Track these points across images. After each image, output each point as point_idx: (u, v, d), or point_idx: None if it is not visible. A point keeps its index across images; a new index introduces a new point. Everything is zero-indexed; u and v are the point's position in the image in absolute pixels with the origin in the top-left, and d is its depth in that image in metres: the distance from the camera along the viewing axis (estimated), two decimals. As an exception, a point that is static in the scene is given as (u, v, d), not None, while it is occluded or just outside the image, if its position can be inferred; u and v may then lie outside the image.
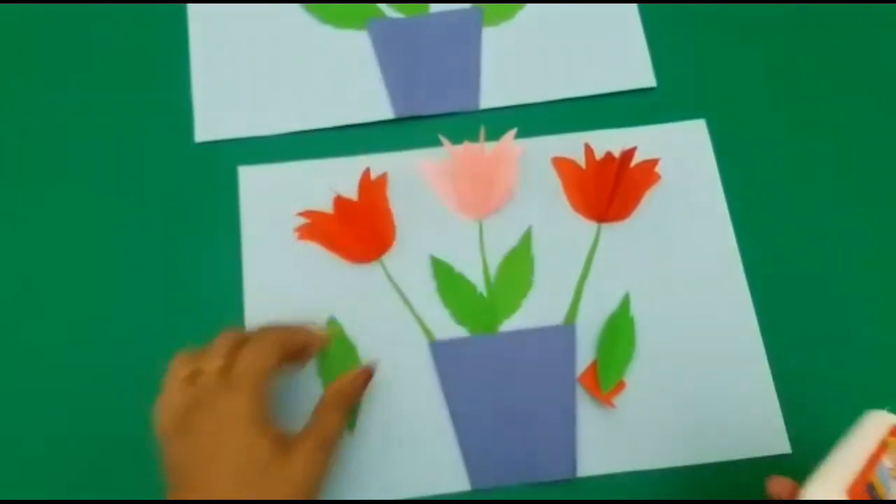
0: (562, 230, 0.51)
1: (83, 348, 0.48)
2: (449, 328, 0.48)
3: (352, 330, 0.48)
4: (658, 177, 0.51)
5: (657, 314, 0.49)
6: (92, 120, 0.53)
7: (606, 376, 0.47)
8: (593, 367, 0.48)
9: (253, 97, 0.54)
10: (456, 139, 0.51)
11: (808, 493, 0.34)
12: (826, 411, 0.47)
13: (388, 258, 0.50)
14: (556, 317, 0.49)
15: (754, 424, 0.47)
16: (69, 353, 0.48)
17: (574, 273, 0.50)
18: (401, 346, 0.48)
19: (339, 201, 0.48)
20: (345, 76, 0.54)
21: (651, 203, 0.51)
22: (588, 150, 0.51)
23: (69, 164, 0.52)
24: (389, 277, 0.49)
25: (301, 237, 0.49)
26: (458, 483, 0.46)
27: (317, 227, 0.49)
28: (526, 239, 0.50)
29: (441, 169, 0.51)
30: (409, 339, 0.48)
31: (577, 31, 0.56)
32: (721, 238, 0.51)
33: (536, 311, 0.49)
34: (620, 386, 0.47)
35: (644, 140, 0.51)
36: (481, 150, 0.50)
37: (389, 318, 0.48)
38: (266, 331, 0.42)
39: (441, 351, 0.48)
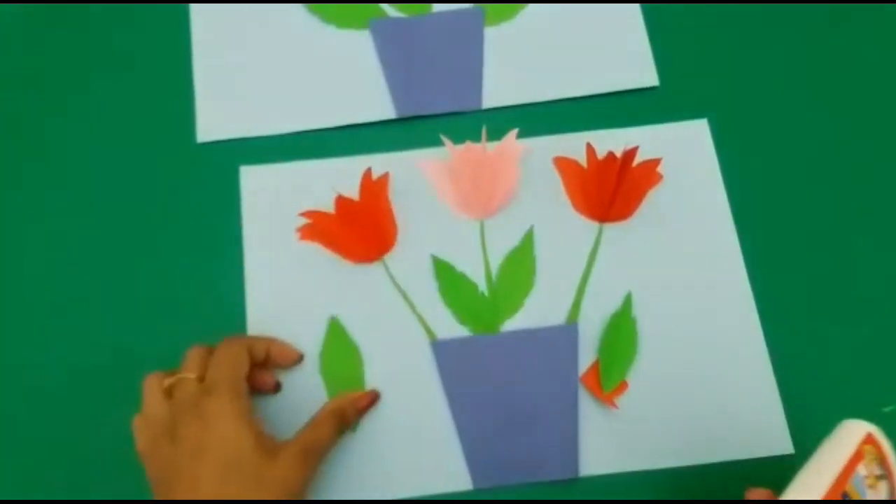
0: (563, 230, 0.51)
1: (83, 349, 0.48)
2: (451, 328, 0.48)
3: (354, 330, 0.48)
4: (660, 176, 0.51)
5: (659, 314, 0.49)
6: (93, 120, 0.54)
7: (608, 376, 0.47)
8: (595, 367, 0.48)
9: (254, 97, 0.54)
10: (458, 139, 0.51)
11: (787, 500, 0.35)
12: (829, 411, 0.46)
13: (389, 258, 0.50)
14: (557, 317, 0.49)
15: (757, 424, 0.47)
16: (69, 354, 0.48)
17: (576, 273, 0.50)
18: (402, 345, 0.48)
19: (341, 201, 0.48)
20: (346, 76, 0.54)
21: (653, 203, 0.51)
22: (590, 149, 0.51)
23: (70, 165, 0.52)
24: (391, 277, 0.49)
25: (303, 237, 0.49)
26: (461, 483, 0.45)
27: (318, 228, 0.49)
28: (527, 239, 0.50)
29: (442, 169, 0.51)
30: (411, 338, 0.48)
31: (578, 31, 0.56)
32: (723, 237, 0.51)
33: (538, 310, 0.49)
34: (622, 386, 0.47)
35: (646, 140, 0.51)
36: (483, 149, 0.50)
37: (391, 318, 0.48)
38: (230, 340, 0.44)
39: (443, 351, 0.48)
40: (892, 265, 0.51)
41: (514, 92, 0.54)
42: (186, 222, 0.51)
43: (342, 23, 0.56)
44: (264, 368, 0.46)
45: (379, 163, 0.51)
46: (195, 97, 0.54)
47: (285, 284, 0.49)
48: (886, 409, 0.47)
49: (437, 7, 0.56)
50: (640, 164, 0.50)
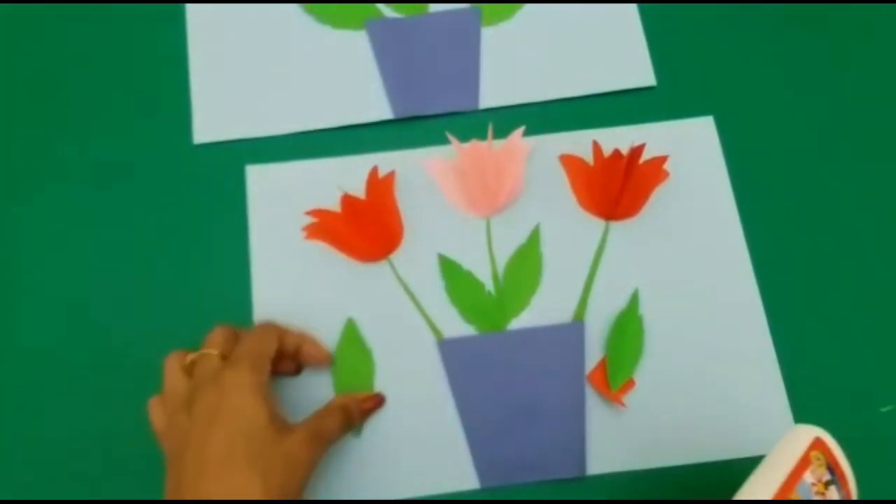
0: (570, 228, 0.50)
1: (86, 353, 0.48)
2: (457, 326, 0.48)
3: (360, 329, 0.48)
4: (666, 174, 0.51)
5: (666, 311, 0.49)
6: (89, 121, 0.53)
7: (615, 374, 0.47)
8: (602, 366, 0.47)
9: (251, 98, 0.54)
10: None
11: None
12: (836, 409, 0.47)
13: (395, 257, 0.50)
14: (564, 314, 0.49)
15: (763, 421, 0.46)
16: (75, 357, 0.48)
17: (582, 271, 0.50)
18: (409, 344, 0.48)
19: (347, 200, 0.48)
20: (343, 77, 0.54)
21: (659, 200, 0.51)
22: (596, 147, 0.51)
23: (69, 166, 0.52)
24: (397, 276, 0.49)
25: (309, 236, 0.49)
26: (468, 482, 0.45)
27: (324, 226, 0.49)
28: (534, 237, 0.50)
29: (448, 167, 0.51)
30: (418, 337, 0.48)
31: (575, 31, 0.56)
32: (730, 235, 0.50)
33: (545, 308, 0.49)
34: (630, 384, 0.47)
35: (651, 137, 0.51)
36: (489, 147, 0.50)
37: (398, 317, 0.48)
38: (263, 324, 0.45)
39: (449, 349, 0.48)
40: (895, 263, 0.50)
41: (510, 92, 0.54)
42: (186, 224, 0.51)
43: (338, 23, 0.56)
44: (291, 358, 0.46)
45: (384, 161, 0.51)
46: (192, 98, 0.54)
47: (292, 284, 0.49)
48: (884, 409, 0.47)
49: (433, 7, 0.56)
50: (646, 162, 0.50)
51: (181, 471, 0.38)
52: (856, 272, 0.50)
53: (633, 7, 0.56)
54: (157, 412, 0.42)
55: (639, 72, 0.55)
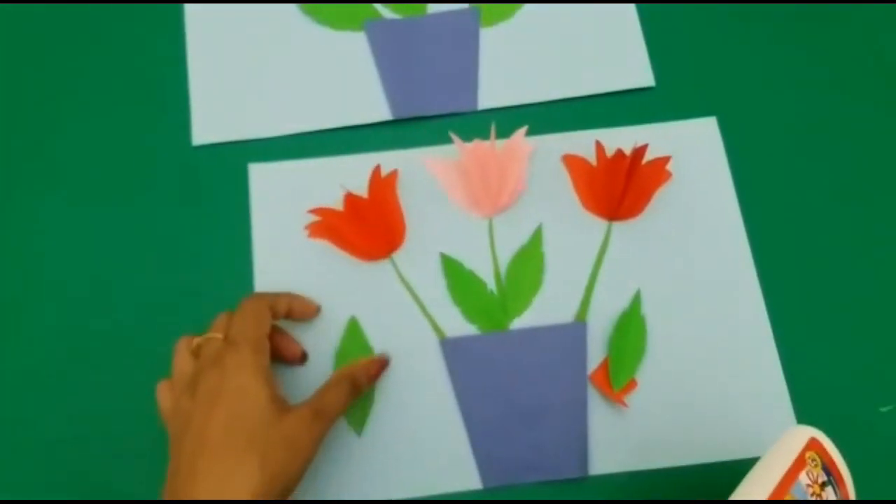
0: (572, 228, 0.50)
1: (88, 354, 0.48)
2: (459, 326, 0.48)
3: (363, 327, 0.48)
4: (669, 174, 0.51)
5: (668, 312, 0.49)
6: (88, 123, 0.53)
7: (618, 374, 0.47)
8: (604, 366, 0.47)
9: (250, 99, 0.54)
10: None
11: None
12: (839, 409, 0.47)
13: (398, 256, 0.50)
14: (566, 315, 0.49)
15: (766, 421, 0.46)
16: (77, 363, 0.48)
17: (585, 271, 0.50)
18: (411, 343, 0.48)
19: (350, 198, 0.48)
20: (342, 78, 0.54)
21: (662, 201, 0.51)
22: (599, 147, 0.51)
23: (68, 166, 0.52)
24: (400, 275, 0.49)
25: (312, 235, 0.49)
26: (470, 482, 0.45)
27: (327, 225, 0.49)
28: (536, 236, 0.50)
29: (451, 166, 0.51)
30: (420, 336, 0.48)
31: (574, 32, 0.56)
32: (732, 235, 0.50)
33: (547, 308, 0.49)
34: (632, 384, 0.47)
35: (654, 137, 0.51)
36: (492, 147, 0.50)
37: (400, 316, 0.48)
38: (252, 297, 0.44)
39: (452, 349, 0.47)
40: (898, 264, 0.51)
41: (509, 93, 0.54)
42: (187, 225, 0.51)
43: (337, 24, 0.56)
44: (287, 319, 0.47)
45: (387, 160, 0.51)
46: (191, 99, 0.53)
47: (294, 282, 0.49)
48: (884, 409, 0.47)
49: (432, 8, 0.56)
50: (649, 162, 0.50)
51: (181, 451, 0.38)
52: (858, 272, 0.50)
53: (632, 7, 0.56)
54: (164, 395, 0.42)
55: (637, 72, 0.55)
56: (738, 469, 0.45)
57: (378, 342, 0.48)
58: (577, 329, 0.48)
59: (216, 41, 0.55)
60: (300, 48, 0.55)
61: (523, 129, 0.51)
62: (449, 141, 0.51)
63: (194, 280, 0.49)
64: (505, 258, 0.50)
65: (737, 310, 0.49)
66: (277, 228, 0.50)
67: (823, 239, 0.51)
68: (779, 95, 0.55)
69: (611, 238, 0.50)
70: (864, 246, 0.51)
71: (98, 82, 0.54)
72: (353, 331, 0.48)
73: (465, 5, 0.56)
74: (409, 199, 0.51)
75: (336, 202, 0.49)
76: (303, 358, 0.47)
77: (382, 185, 0.50)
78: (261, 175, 0.51)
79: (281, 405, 0.40)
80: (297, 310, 0.46)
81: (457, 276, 0.49)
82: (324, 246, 0.49)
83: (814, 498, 0.35)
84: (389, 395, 0.47)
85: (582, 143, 0.52)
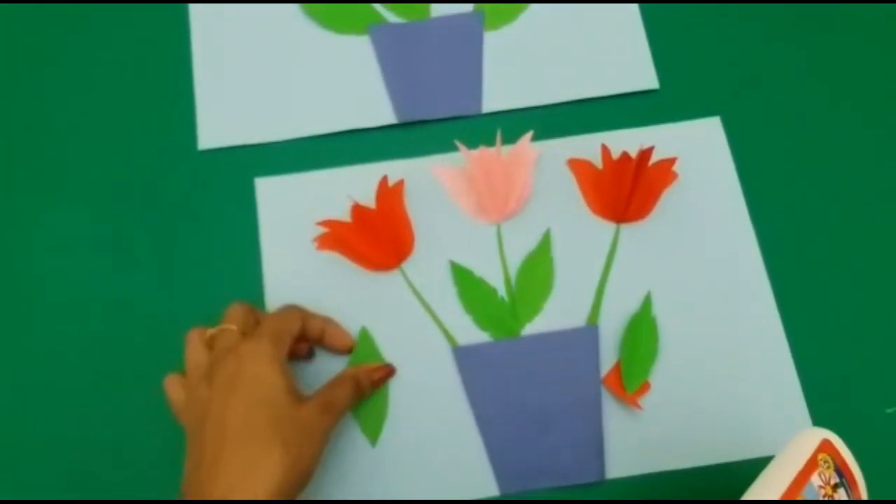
0: (580, 232, 0.51)
1: (92, 363, 0.48)
2: (471, 333, 0.48)
3: (374, 338, 0.48)
4: (676, 175, 0.51)
5: (680, 313, 0.49)
6: (92, 127, 0.53)
7: (631, 377, 0.47)
8: (617, 369, 0.47)
9: (255, 103, 0.54)
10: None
11: None
12: (853, 409, 0.47)
13: (407, 265, 0.50)
14: (578, 319, 0.49)
15: (780, 421, 0.46)
16: (80, 376, 0.48)
17: (594, 274, 0.50)
18: (424, 352, 0.48)
19: (357, 209, 0.48)
20: (346, 82, 0.54)
21: (669, 202, 0.51)
22: (605, 150, 0.51)
23: (71, 171, 0.52)
24: (410, 284, 0.49)
25: (320, 247, 0.49)
26: (487, 489, 0.45)
27: (336, 236, 0.49)
28: (545, 241, 0.50)
29: (457, 174, 0.51)
30: (432, 345, 0.48)
31: (578, 34, 0.56)
32: (741, 234, 0.50)
33: (558, 313, 0.49)
34: (645, 387, 0.47)
35: (659, 139, 0.51)
36: (497, 154, 0.50)
37: (411, 325, 0.48)
38: (288, 306, 0.45)
39: (464, 356, 0.47)
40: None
41: (513, 96, 0.54)
42: (193, 231, 0.51)
43: (341, 28, 0.56)
44: (318, 345, 0.47)
45: (393, 170, 0.51)
46: (196, 104, 0.54)
47: (304, 294, 0.48)
48: (889, 410, 0.47)
49: (436, 11, 0.56)
50: (655, 164, 0.50)
51: (202, 445, 0.38)
52: (873, 271, 0.50)
53: (635, 9, 0.56)
54: (174, 388, 0.42)
55: (641, 75, 0.55)
56: (754, 470, 0.45)
57: (390, 352, 0.48)
58: (588, 333, 0.48)
59: (221, 45, 0.55)
60: (305, 52, 0.55)
61: (528, 135, 0.51)
62: (454, 147, 0.51)
63: (204, 287, 0.49)
64: (514, 264, 0.50)
65: (748, 309, 0.49)
66: (286, 241, 0.50)
67: (832, 237, 0.51)
68: (781, 94, 0.55)
69: (619, 241, 0.50)
70: (873, 244, 0.51)
71: (103, 87, 0.54)
72: (365, 341, 0.48)
73: (469, 8, 0.56)
74: (417, 208, 0.51)
75: (344, 213, 0.49)
76: (309, 355, 0.47)
77: (390, 194, 0.50)
78: (267, 189, 0.51)
79: (296, 395, 0.40)
80: (330, 335, 0.46)
81: (467, 284, 0.49)
82: (333, 257, 0.49)
83: (825, 499, 0.35)
84: (403, 405, 0.47)
85: (587, 146, 0.52)
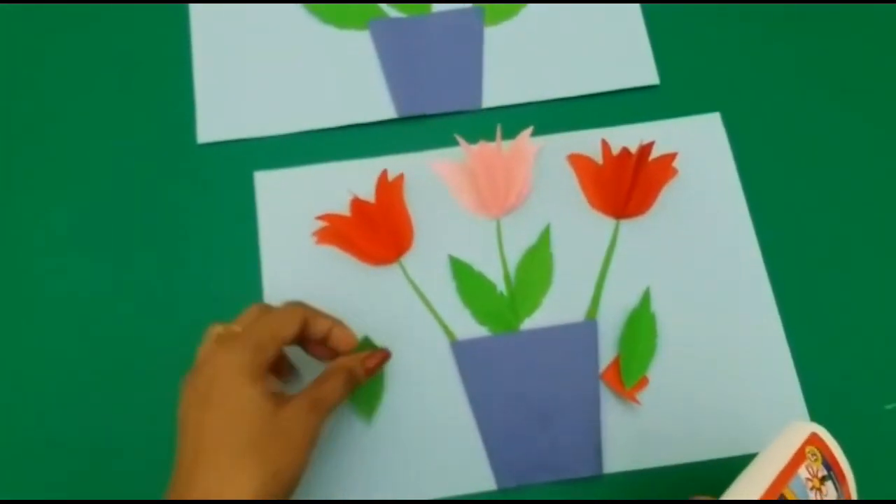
0: (580, 227, 0.51)
1: (90, 358, 0.48)
2: (470, 328, 0.48)
3: (373, 332, 0.48)
4: (675, 171, 0.51)
5: (678, 308, 0.49)
6: (91, 121, 0.53)
7: (629, 372, 0.47)
8: (616, 364, 0.47)
9: (254, 98, 0.54)
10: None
11: None
12: (851, 404, 0.47)
13: (406, 259, 0.50)
14: (577, 314, 0.49)
15: (779, 415, 0.46)
16: (78, 364, 0.48)
17: (594, 269, 0.50)
18: (422, 346, 0.48)
19: (357, 203, 0.48)
20: (347, 76, 0.54)
21: (669, 197, 0.51)
22: (605, 146, 0.51)
23: (71, 166, 0.52)
24: (409, 279, 0.49)
25: (320, 241, 0.49)
26: (484, 483, 0.45)
27: (335, 231, 0.49)
28: (544, 236, 0.50)
29: (457, 169, 0.51)
30: (431, 339, 0.48)
31: (578, 30, 0.56)
32: (740, 230, 0.50)
33: (557, 308, 0.49)
34: (644, 382, 0.47)
35: (658, 135, 0.51)
36: (498, 148, 0.50)
37: (410, 320, 0.48)
38: (292, 304, 0.43)
39: (463, 351, 0.48)
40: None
41: (513, 91, 0.54)
42: (192, 224, 0.51)
43: (342, 23, 0.56)
44: (321, 345, 0.44)
45: (393, 164, 0.51)
46: (196, 97, 0.54)
47: (303, 288, 0.48)
48: (888, 407, 0.47)
49: (436, 7, 0.56)
50: (655, 160, 0.50)
51: (180, 460, 0.37)
52: (872, 266, 0.50)
53: (636, 5, 0.56)
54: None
55: (642, 70, 0.55)
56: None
57: (388, 346, 0.47)
58: (587, 328, 0.48)
59: (221, 40, 0.55)
60: (305, 47, 0.55)
61: (529, 130, 0.51)
62: (454, 142, 0.51)
63: (203, 281, 0.49)
64: (514, 259, 0.50)
65: (747, 305, 0.49)
66: (285, 235, 0.50)
67: (831, 233, 0.51)
68: (781, 90, 0.55)
69: (619, 236, 0.50)
70: (871, 241, 0.51)
71: (102, 80, 0.54)
72: (364, 336, 0.48)
73: (470, 4, 0.56)
74: (417, 203, 0.51)
75: (343, 208, 0.49)
76: (291, 372, 0.46)
77: (389, 189, 0.50)
78: (267, 183, 0.51)
79: (275, 399, 0.38)
80: (335, 336, 0.44)
81: (466, 279, 0.49)
82: (332, 252, 0.49)
83: (813, 493, 0.35)
84: (401, 399, 0.47)
85: (587, 141, 0.52)
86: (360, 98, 0.54)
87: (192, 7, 0.56)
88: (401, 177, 0.51)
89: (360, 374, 0.44)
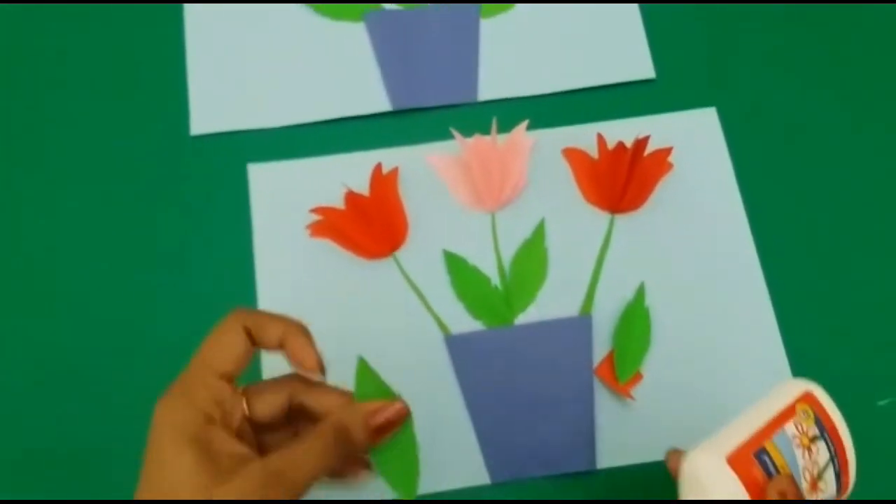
0: (575, 221, 0.50)
1: (82, 354, 0.47)
2: (464, 322, 0.48)
3: (367, 327, 0.48)
4: (671, 166, 0.51)
5: (673, 303, 0.49)
6: (84, 113, 0.53)
7: (623, 367, 0.47)
8: (610, 359, 0.47)
9: (248, 89, 0.53)
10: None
11: (689, 458, 0.33)
12: (844, 398, 0.47)
13: (401, 253, 0.49)
14: (571, 308, 0.49)
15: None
16: (68, 359, 0.47)
17: (588, 264, 0.50)
18: (416, 341, 0.48)
19: (351, 197, 0.48)
20: (341, 68, 0.54)
21: (664, 192, 0.51)
22: (600, 140, 0.51)
23: (67, 160, 0.52)
24: (403, 272, 0.49)
25: (313, 234, 0.49)
26: (478, 477, 0.45)
27: (329, 224, 0.49)
28: (539, 231, 0.50)
29: (452, 162, 0.51)
30: (425, 333, 0.48)
31: (575, 23, 0.56)
32: (735, 225, 0.50)
33: (551, 302, 0.49)
34: (638, 377, 0.47)
35: (654, 129, 0.50)
36: (493, 142, 0.50)
37: (404, 313, 0.48)
38: (226, 320, 0.34)
39: (457, 345, 0.47)
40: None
41: (509, 84, 0.54)
42: (185, 216, 0.50)
43: (337, 14, 0.55)
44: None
45: (387, 157, 0.51)
46: (189, 89, 0.53)
47: (297, 282, 0.48)
48: (881, 403, 0.47)
49: (432, -1, 0.56)
50: (650, 154, 0.50)
51: None
52: (866, 262, 0.50)
53: None
54: None
55: (638, 64, 0.54)
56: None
57: (382, 341, 0.47)
58: (581, 322, 0.48)
59: (215, 31, 0.55)
60: (300, 39, 0.55)
61: (524, 124, 0.51)
62: (449, 136, 0.51)
63: (196, 275, 0.49)
64: (508, 253, 0.50)
65: (741, 300, 0.49)
66: (278, 228, 0.50)
67: (826, 228, 0.51)
68: (777, 85, 0.55)
69: (613, 231, 0.50)
70: (865, 237, 0.51)
71: (95, 72, 0.54)
72: (364, 374, 0.46)
73: (466, -4, 0.56)
74: (411, 196, 0.50)
75: (337, 201, 0.49)
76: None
77: (384, 182, 0.50)
78: (260, 175, 0.51)
79: (220, 465, 0.30)
80: (291, 347, 0.34)
81: (460, 272, 0.49)
82: (326, 245, 0.49)
83: (800, 450, 0.33)
84: (395, 392, 0.47)
85: (583, 135, 0.52)
86: (355, 90, 0.53)
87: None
88: (395, 170, 0.50)
89: (358, 436, 0.34)
